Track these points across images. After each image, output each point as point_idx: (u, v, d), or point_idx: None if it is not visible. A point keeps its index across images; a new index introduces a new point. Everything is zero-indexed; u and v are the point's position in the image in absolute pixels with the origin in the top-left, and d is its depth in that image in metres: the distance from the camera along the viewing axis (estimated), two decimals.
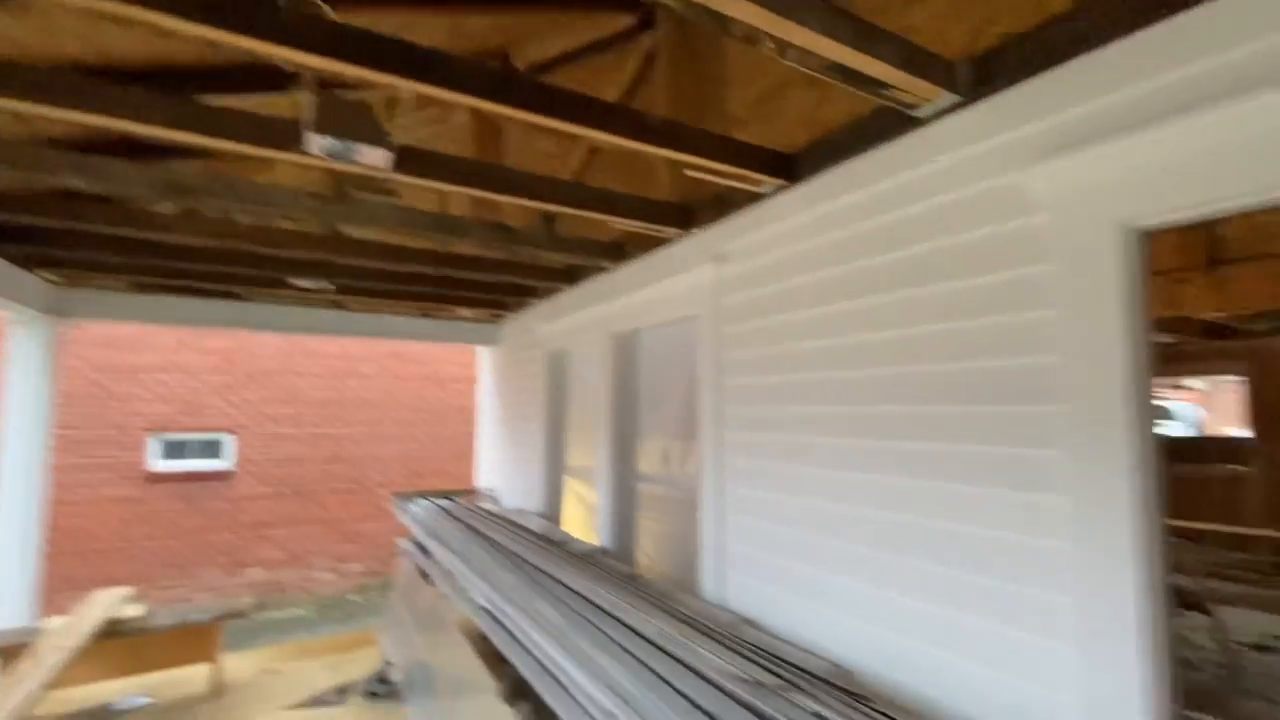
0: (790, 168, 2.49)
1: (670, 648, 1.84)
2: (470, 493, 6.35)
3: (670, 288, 3.24)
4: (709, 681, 1.59)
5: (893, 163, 2.06)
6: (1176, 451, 7.44)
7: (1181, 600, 4.57)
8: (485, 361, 6.84)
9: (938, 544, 1.80)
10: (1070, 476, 1.49)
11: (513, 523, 4.45)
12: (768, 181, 2.52)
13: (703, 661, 1.70)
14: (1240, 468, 6.37)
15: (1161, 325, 5.98)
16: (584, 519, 4.41)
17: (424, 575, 4.23)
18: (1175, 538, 5.02)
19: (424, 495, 5.96)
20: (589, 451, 4.28)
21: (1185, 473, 6.79)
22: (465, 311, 5.97)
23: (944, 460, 1.80)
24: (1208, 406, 9.47)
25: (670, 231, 3.20)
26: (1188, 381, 10.06)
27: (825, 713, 1.39)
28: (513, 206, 3.75)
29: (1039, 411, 1.57)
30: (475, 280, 4.70)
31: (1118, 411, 1.42)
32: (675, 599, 2.50)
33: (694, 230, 3.12)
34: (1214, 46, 1.32)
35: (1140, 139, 1.41)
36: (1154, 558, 1.37)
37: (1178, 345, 6.67)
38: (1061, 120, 1.59)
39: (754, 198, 2.68)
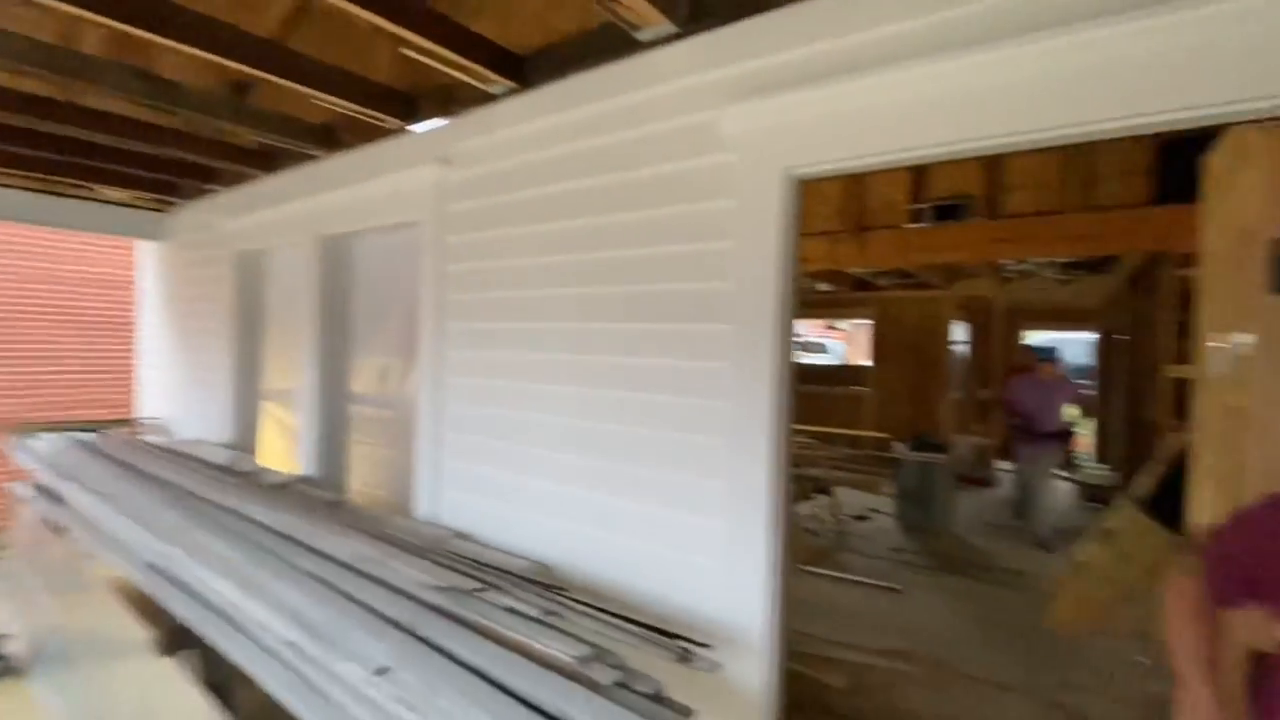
0: (521, 70, 2.37)
1: (368, 568, 1.74)
2: (128, 423, 5.12)
3: (390, 187, 2.90)
4: (404, 594, 1.55)
5: (616, 83, 2.08)
6: (825, 376, 9.54)
7: (815, 486, 5.96)
8: (149, 261, 5.43)
9: (631, 446, 2.00)
10: (732, 386, 1.75)
11: (186, 456, 3.73)
12: (497, 81, 2.36)
13: (400, 577, 1.65)
14: (863, 388, 8.43)
15: (822, 276, 7.46)
16: (286, 448, 3.90)
17: (55, 527, 3.37)
18: (815, 439, 6.50)
19: (56, 428, 4.62)
20: (292, 372, 3.75)
21: (827, 391, 8.77)
22: (114, 192, 4.59)
23: (641, 372, 1.98)
24: (849, 342, 12.31)
25: (391, 122, 2.83)
26: (839, 323, 12.86)
27: (517, 605, 1.46)
28: (185, 61, 2.90)
29: (715, 330, 1.81)
30: (125, 151, 3.61)
31: (768, 333, 1.70)
32: (384, 522, 2.37)
33: (418, 125, 2.81)
34: (864, 22, 1.56)
35: (803, 95, 1.63)
36: (781, 452, 1.71)
37: (834, 293, 8.40)
38: (753, 67, 1.76)
39: (484, 98, 2.50)
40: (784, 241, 1.71)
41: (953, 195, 5.13)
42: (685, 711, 1.19)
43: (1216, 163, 1.51)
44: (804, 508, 6.06)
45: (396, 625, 1.36)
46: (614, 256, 2.07)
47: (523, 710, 1.05)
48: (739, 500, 1.71)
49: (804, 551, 4.67)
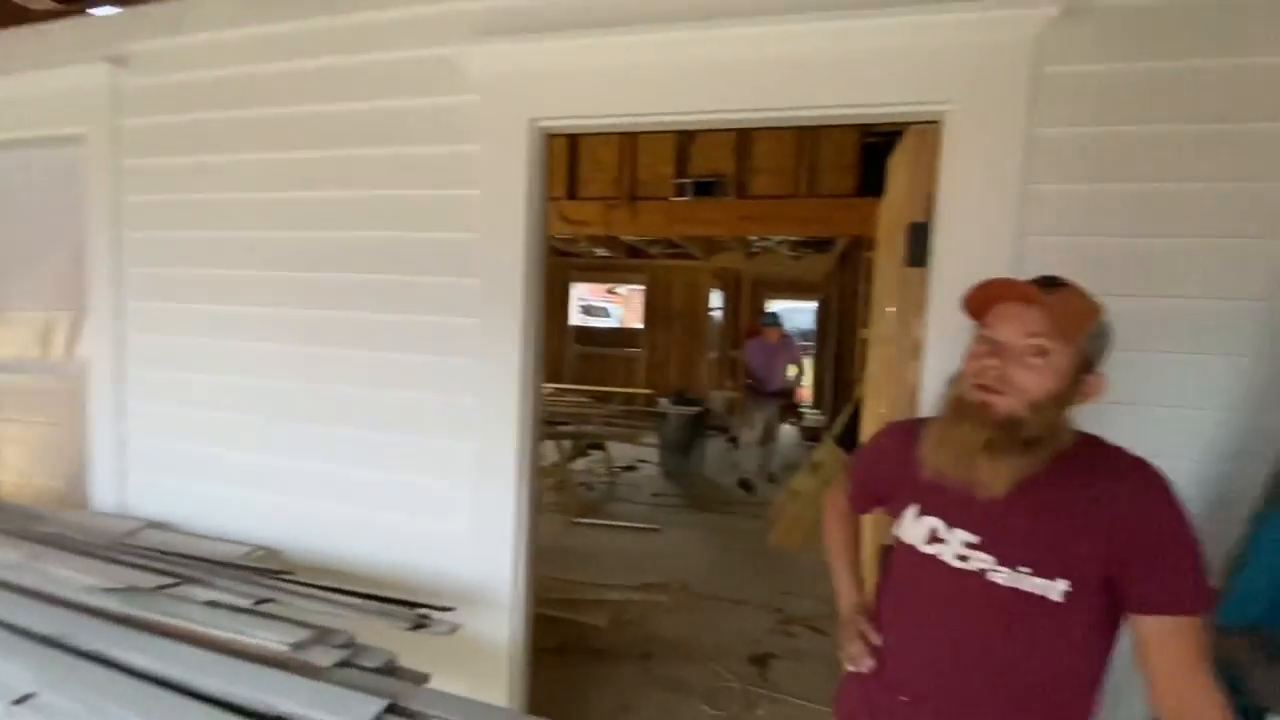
0: None
1: (8, 577, 1.36)
2: None
3: (40, 87, 2.21)
4: (64, 603, 1.25)
5: None
6: (604, 338, 9.98)
7: (589, 443, 6.25)
8: None
9: (373, 410, 1.84)
10: (480, 343, 1.70)
11: None
12: None
13: (58, 583, 1.32)
14: (636, 349, 8.99)
15: (600, 241, 7.72)
16: None
17: None
18: (589, 398, 6.80)
19: None
20: None
21: (606, 353, 9.21)
22: None
23: (379, 328, 1.82)
24: (626, 307, 12.98)
25: (41, 1, 2.14)
26: (618, 288, 13.45)
27: (221, 597, 1.28)
28: None
29: (461, 284, 1.73)
30: None
31: (516, 289, 1.66)
32: (44, 519, 1.88)
33: (81, 10, 2.17)
34: None
35: (548, 44, 1.58)
36: (530, 411, 1.72)
37: (611, 258, 8.73)
38: (499, 4, 1.65)
39: None
40: (531, 195, 1.67)
41: (710, 173, 5.61)
42: (419, 678, 1.17)
43: (892, 160, 1.87)
44: (580, 463, 6.34)
45: (47, 641, 1.09)
46: (345, 197, 1.84)
47: (218, 712, 0.92)
48: (488, 461, 1.70)
49: (577, 505, 4.88)
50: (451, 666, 1.67)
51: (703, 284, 8.63)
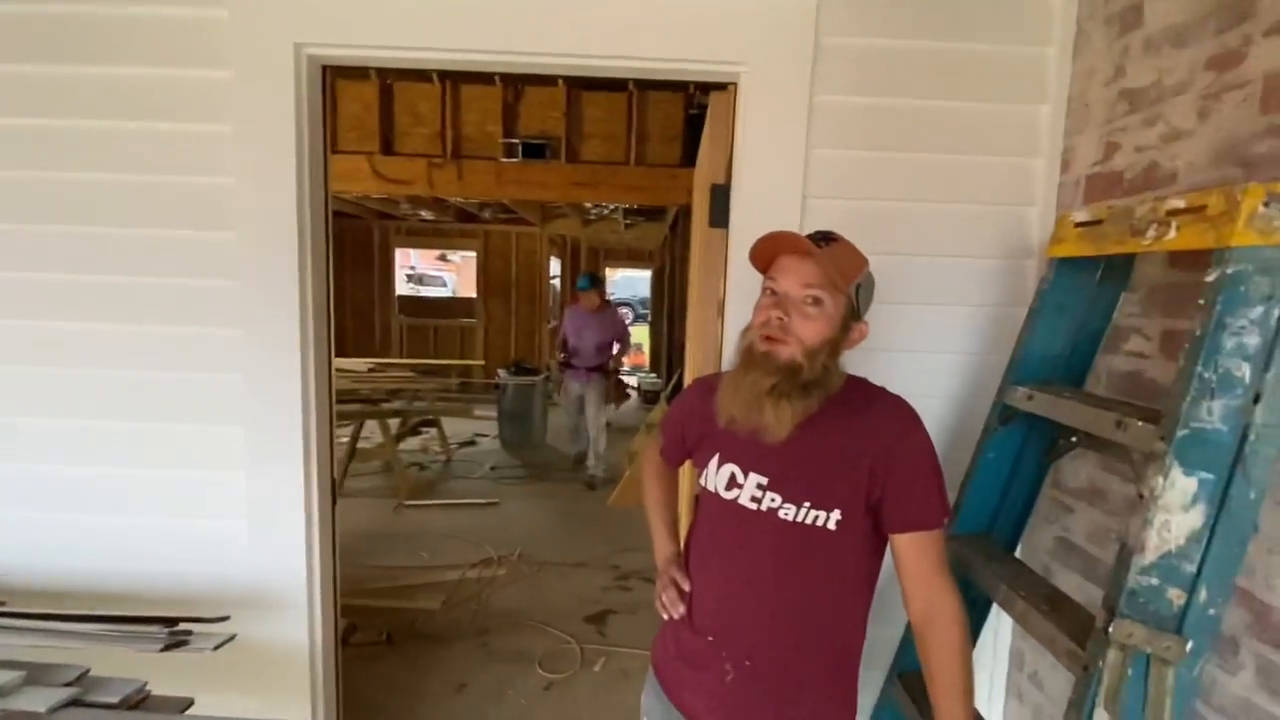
0: None
1: None
2: None
3: None
4: None
5: None
6: (437, 308, 9.40)
7: (421, 421, 5.89)
8: None
9: (112, 395, 1.51)
10: (245, 310, 1.45)
11: None
12: None
13: None
14: (471, 320, 8.59)
15: (426, 204, 7.19)
16: None
17: None
18: (418, 372, 6.40)
19: None
20: None
21: (439, 324, 8.69)
22: None
23: (113, 294, 1.48)
24: (460, 276, 12.35)
25: None
26: (451, 255, 12.72)
27: None
28: None
29: (213, 239, 1.45)
30: None
31: (289, 247, 1.43)
32: None
33: None
34: None
35: None
36: (317, 387, 1.51)
37: (439, 222, 8.18)
38: None
39: None
40: (305, 136, 1.44)
41: (540, 135, 5.43)
42: (179, 704, 1.00)
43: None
44: (413, 442, 5.97)
45: None
46: (55, 127, 1.45)
47: None
48: (264, 448, 1.47)
49: (407, 487, 4.59)
50: (245, 681, 1.47)
51: (540, 251, 8.45)
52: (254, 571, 1.48)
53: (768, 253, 1.00)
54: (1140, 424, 0.88)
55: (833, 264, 0.95)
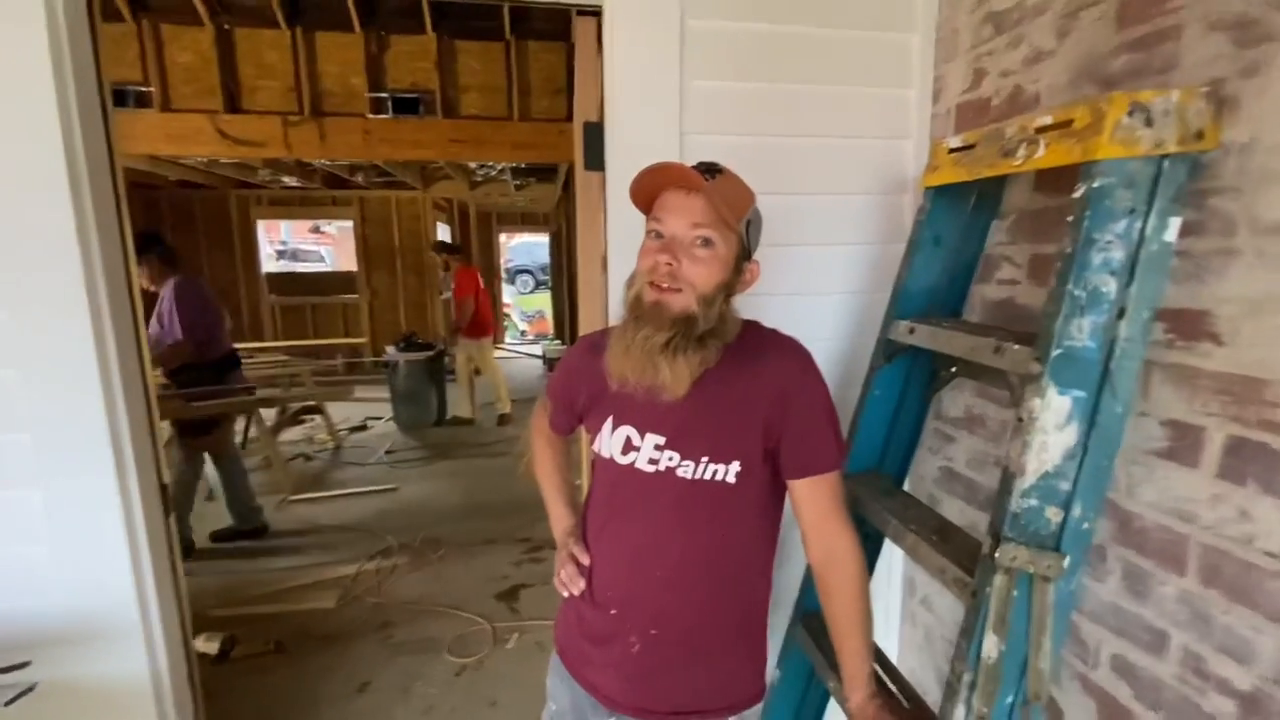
0: None
1: None
2: None
3: None
4: None
5: None
6: (315, 284, 8.62)
7: (303, 409, 5.41)
8: None
9: None
10: (8, 291, 1.15)
11: None
12: None
13: None
14: (353, 295, 7.95)
15: (289, 170, 6.46)
16: None
17: None
18: (298, 356, 5.85)
19: None
20: None
21: (316, 302, 7.97)
22: None
23: None
24: (339, 248, 11.39)
25: None
26: (325, 227, 11.69)
27: None
28: None
29: None
30: None
31: (63, 214, 1.13)
32: None
33: None
34: None
35: None
36: (126, 381, 1.25)
37: (306, 189, 7.42)
38: None
39: None
40: (69, 78, 1.14)
41: (411, 88, 5.00)
42: None
43: None
44: (295, 432, 5.47)
45: None
46: None
47: None
48: (60, 455, 1.20)
49: (290, 481, 4.20)
50: None
51: (424, 217, 7.89)
52: (64, 603, 1.22)
53: (650, 188, 0.90)
54: (1017, 347, 0.87)
55: (721, 199, 0.86)
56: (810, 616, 1.32)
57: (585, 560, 1.06)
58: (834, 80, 1.38)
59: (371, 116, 4.84)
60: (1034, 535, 0.83)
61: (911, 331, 1.14)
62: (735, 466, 0.93)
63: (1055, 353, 0.80)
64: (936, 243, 1.19)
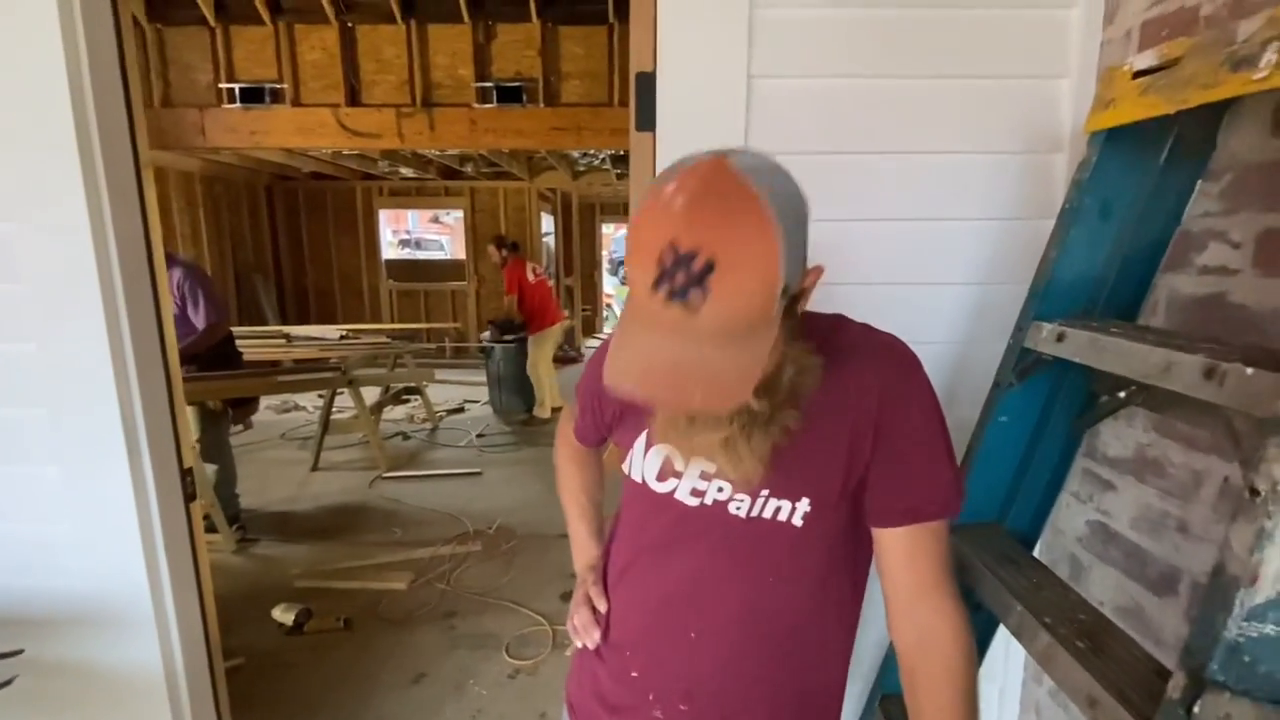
0: None
1: None
2: None
3: None
4: None
5: None
6: (427, 271, 9.08)
7: (406, 389, 5.64)
8: None
9: None
10: (23, 262, 1.10)
11: None
12: None
13: None
14: (461, 282, 8.27)
15: (403, 160, 6.78)
16: None
17: None
18: (403, 338, 6.12)
19: None
20: None
21: (429, 288, 8.38)
22: None
23: None
24: (455, 237, 11.95)
25: None
26: (444, 217, 12.32)
27: None
28: None
29: None
30: None
31: (73, 182, 1.06)
32: None
33: None
34: None
35: None
36: (142, 360, 1.18)
37: (421, 179, 7.79)
38: None
39: None
40: (82, 58, 1.06)
41: (515, 76, 5.02)
42: None
43: None
44: (397, 411, 5.73)
45: None
46: None
47: None
48: (76, 433, 1.16)
49: (385, 458, 4.36)
50: (98, 713, 1.21)
51: (529, 207, 8.02)
52: (84, 585, 1.20)
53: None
54: (1250, 372, 0.54)
55: (733, 315, 0.54)
56: (892, 700, 1.02)
57: (603, 606, 0.85)
58: (961, 1, 1.04)
59: (477, 106, 4.91)
60: (1264, 683, 0.50)
61: (1061, 339, 0.80)
62: (804, 505, 0.69)
63: None
64: (1105, 213, 0.83)
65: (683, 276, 0.52)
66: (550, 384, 5.63)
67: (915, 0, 1.04)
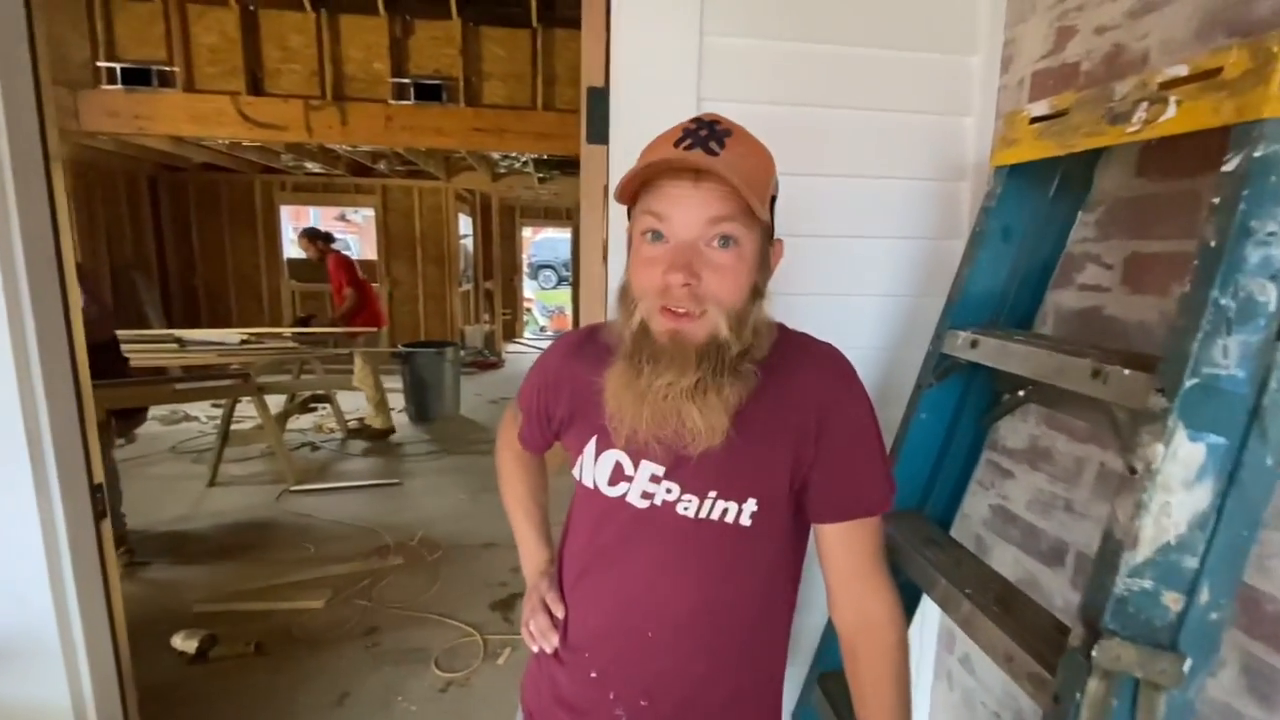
0: None
1: None
2: None
3: None
4: None
5: None
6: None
7: (314, 396, 5.32)
8: None
9: None
10: None
11: None
12: None
13: None
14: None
15: (309, 155, 6.40)
16: None
17: None
18: (311, 343, 5.77)
19: None
20: None
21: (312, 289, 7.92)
22: None
23: None
24: (363, 237, 11.38)
25: None
26: (351, 215, 11.71)
27: None
28: None
29: None
30: None
31: None
32: None
33: None
34: None
35: None
36: (53, 364, 1.09)
37: (328, 175, 7.37)
38: None
39: None
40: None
41: (434, 74, 4.88)
42: None
43: None
44: (304, 420, 5.39)
45: None
46: None
47: None
48: None
49: (292, 471, 4.09)
50: None
51: (446, 208, 7.79)
52: None
53: (642, 182, 0.68)
54: (1128, 373, 0.65)
55: (741, 177, 0.63)
56: (830, 677, 1.12)
57: (559, 611, 0.87)
58: (885, 42, 1.16)
59: (393, 103, 4.74)
60: (1145, 628, 0.61)
61: (974, 344, 0.93)
62: (751, 505, 0.73)
63: (1189, 383, 0.58)
64: (1006, 236, 0.97)
65: (706, 133, 0.66)
66: (370, 387, 5.12)
67: (844, 39, 1.15)
